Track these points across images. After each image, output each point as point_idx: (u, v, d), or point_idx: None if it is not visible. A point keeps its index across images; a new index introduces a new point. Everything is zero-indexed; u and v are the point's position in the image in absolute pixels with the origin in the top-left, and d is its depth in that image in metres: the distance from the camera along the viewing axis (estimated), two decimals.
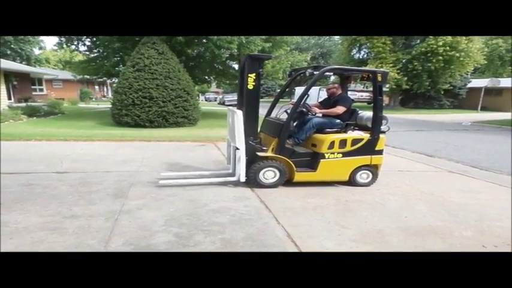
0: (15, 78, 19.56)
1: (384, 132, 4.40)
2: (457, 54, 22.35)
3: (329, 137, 4.22)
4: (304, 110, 4.50)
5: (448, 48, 22.12)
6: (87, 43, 14.87)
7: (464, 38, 21.85)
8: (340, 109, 4.43)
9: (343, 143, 4.24)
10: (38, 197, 3.61)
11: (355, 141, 4.28)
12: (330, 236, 2.87)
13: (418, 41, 25.47)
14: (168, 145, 7.31)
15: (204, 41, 12.77)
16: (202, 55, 13.87)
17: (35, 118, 12.64)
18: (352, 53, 29.12)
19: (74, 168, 4.94)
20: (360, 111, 4.74)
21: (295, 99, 5.21)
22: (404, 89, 25.95)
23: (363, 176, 4.41)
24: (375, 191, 4.26)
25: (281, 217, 3.24)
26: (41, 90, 25.74)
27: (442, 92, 27.55)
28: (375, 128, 4.31)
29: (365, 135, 4.33)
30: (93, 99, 30.91)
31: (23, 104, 15.94)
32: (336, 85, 4.81)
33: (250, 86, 3.96)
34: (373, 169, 4.42)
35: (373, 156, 4.35)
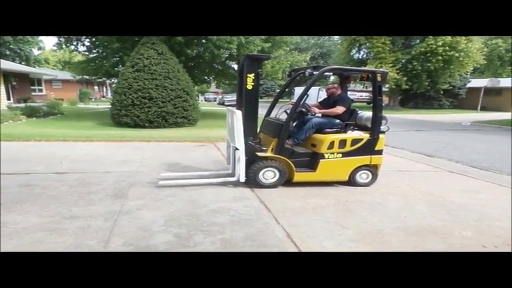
0: (14, 78, 19.55)
1: (383, 132, 4.39)
2: (457, 54, 22.36)
3: (329, 137, 4.22)
4: (303, 110, 4.50)
5: (447, 48, 22.14)
6: (87, 43, 14.88)
7: (463, 38, 21.87)
8: (339, 109, 4.42)
9: (342, 143, 4.24)
10: (37, 197, 3.61)
11: (354, 141, 4.28)
12: (330, 236, 2.87)
13: (418, 41, 25.48)
14: (167, 145, 7.30)
15: (204, 41, 12.77)
16: (201, 55, 13.87)
17: (34, 118, 12.63)
18: (351, 53, 29.12)
19: (73, 168, 4.93)
20: (359, 111, 4.74)
21: (294, 99, 5.21)
22: (404, 89, 25.97)
23: (363, 176, 4.41)
24: (375, 191, 4.26)
25: (281, 217, 3.24)
26: (40, 90, 25.73)
27: (442, 92, 27.58)
28: (374, 128, 4.31)
29: (365, 135, 4.33)
30: (93, 100, 30.90)
31: (22, 105, 15.91)
32: (336, 85, 4.81)
33: (249, 86, 3.96)
34: (373, 169, 4.42)
35: (372, 156, 4.34)
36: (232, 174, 4.36)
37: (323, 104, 4.80)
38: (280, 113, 4.70)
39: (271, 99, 5.62)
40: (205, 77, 17.46)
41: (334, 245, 2.70)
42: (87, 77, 17.06)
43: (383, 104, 4.53)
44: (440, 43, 21.95)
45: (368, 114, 4.53)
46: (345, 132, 4.37)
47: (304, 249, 2.60)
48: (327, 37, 46.17)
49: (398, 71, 23.76)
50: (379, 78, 4.23)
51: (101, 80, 18.36)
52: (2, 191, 3.72)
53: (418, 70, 23.65)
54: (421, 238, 2.87)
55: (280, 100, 5.26)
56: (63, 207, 3.34)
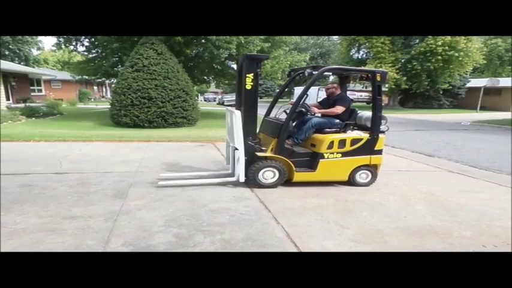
0: (13, 78, 19.52)
1: (383, 132, 4.39)
2: (456, 54, 22.37)
3: (328, 137, 4.22)
4: (303, 110, 4.50)
5: (447, 48, 22.14)
6: (86, 43, 14.87)
7: (463, 37, 21.87)
8: (339, 109, 4.42)
9: (342, 143, 4.24)
10: (37, 197, 3.60)
11: (354, 141, 4.28)
12: (330, 236, 2.87)
13: (417, 41, 25.51)
14: (167, 145, 7.30)
15: (203, 41, 12.76)
16: (201, 55, 13.87)
17: (33, 119, 12.62)
18: (351, 53, 29.14)
19: (72, 168, 4.92)
20: (359, 111, 4.74)
21: (294, 99, 5.21)
22: (404, 89, 25.98)
23: (363, 176, 4.40)
24: (375, 191, 4.26)
25: (281, 217, 3.24)
26: (40, 90, 25.69)
27: (441, 92, 27.59)
28: (374, 127, 4.31)
29: (364, 135, 4.33)
30: (92, 100, 30.89)
31: (22, 105, 15.90)
32: (335, 85, 4.80)
33: (248, 86, 3.95)
34: (373, 169, 4.42)
35: (372, 156, 4.34)
36: (232, 174, 4.36)
37: (322, 104, 4.79)
38: (280, 113, 4.70)
39: (271, 99, 5.61)
40: (205, 77, 17.46)
41: (334, 245, 2.70)
42: (87, 77, 17.04)
43: (382, 104, 4.53)
44: (439, 43, 21.95)
45: (368, 114, 4.53)
46: (344, 132, 4.37)
47: (304, 249, 2.60)
48: (327, 37, 46.20)
49: (397, 71, 23.76)
50: (378, 78, 4.23)
51: (100, 80, 18.32)
52: (1, 192, 3.72)
53: (418, 70, 23.65)
54: (420, 238, 2.87)
55: (279, 100, 5.25)
56: (62, 207, 3.33)
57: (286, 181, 4.24)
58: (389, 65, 23.37)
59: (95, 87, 37.15)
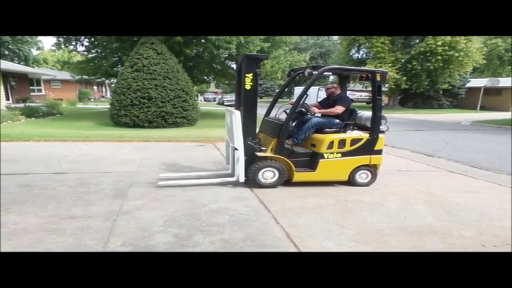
0: (13, 78, 19.51)
1: (383, 132, 4.39)
2: (456, 54, 22.37)
3: (328, 137, 4.22)
4: (303, 110, 4.49)
5: (447, 48, 22.15)
6: (85, 43, 14.87)
7: (463, 37, 21.87)
8: (339, 109, 4.42)
9: (342, 143, 4.24)
10: (36, 197, 3.60)
11: (354, 141, 4.28)
12: (330, 236, 2.87)
13: (417, 41, 25.51)
14: (167, 145, 7.29)
15: (203, 41, 12.76)
16: (200, 55, 13.87)
17: (33, 119, 12.62)
18: (351, 53, 29.14)
19: (72, 168, 4.92)
20: (359, 111, 4.74)
21: (294, 99, 5.21)
22: (404, 89, 25.99)
23: (362, 176, 4.40)
24: (374, 191, 4.26)
25: (280, 217, 3.23)
26: (39, 90, 25.66)
27: (441, 92, 27.60)
28: (374, 127, 4.31)
29: (364, 135, 4.32)
30: (92, 100, 30.88)
31: (21, 105, 15.90)
32: (335, 85, 4.80)
33: (247, 86, 3.95)
34: (373, 169, 4.41)
35: (372, 156, 4.34)
36: (232, 174, 4.36)
37: (322, 104, 4.79)
38: (280, 112, 4.70)
39: (271, 99, 5.61)
40: (205, 77, 17.46)
41: (333, 245, 2.70)
42: (86, 77, 17.05)
43: (382, 104, 4.52)
44: (439, 43, 21.96)
45: (367, 114, 4.53)
46: (344, 132, 4.37)
47: (303, 249, 2.60)
48: (326, 37, 46.20)
49: (397, 71, 23.77)
50: (378, 78, 4.23)
51: (100, 80, 18.33)
52: (1, 192, 3.71)
53: (418, 70, 23.66)
54: (420, 238, 2.87)
55: (279, 100, 5.25)
56: (62, 207, 3.33)
57: (286, 181, 4.24)
58: (389, 65, 23.38)
59: (95, 87, 37.14)
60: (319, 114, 4.60)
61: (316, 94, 15.39)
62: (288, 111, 4.36)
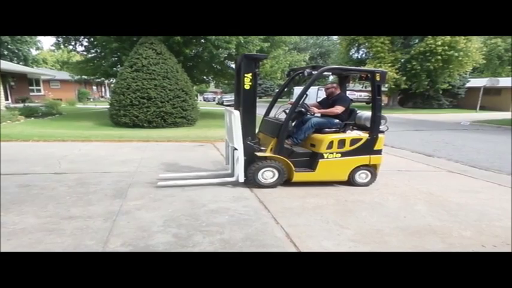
0: (12, 78, 19.51)
1: (382, 132, 4.39)
2: (456, 54, 22.38)
3: (328, 137, 4.22)
4: (302, 109, 4.49)
5: (446, 47, 22.15)
6: (85, 43, 14.87)
7: (462, 37, 21.88)
8: (338, 109, 4.42)
9: (342, 142, 4.24)
10: (36, 198, 3.59)
11: (354, 141, 4.28)
12: (329, 236, 2.86)
13: (417, 41, 25.50)
14: (166, 145, 7.29)
15: (202, 41, 12.76)
16: (200, 55, 13.86)
17: (32, 119, 12.61)
18: (350, 53, 29.13)
19: (72, 169, 4.91)
20: (358, 111, 4.74)
21: (293, 99, 5.21)
22: (403, 89, 25.98)
23: (362, 176, 4.40)
24: (374, 191, 4.25)
25: (280, 217, 3.23)
26: (39, 90, 25.65)
27: (441, 92, 27.59)
28: (373, 127, 4.31)
29: (364, 135, 4.32)
30: (91, 100, 30.87)
31: (21, 105, 15.89)
32: (335, 85, 4.80)
33: (246, 86, 3.94)
34: (372, 169, 4.41)
35: (372, 156, 4.34)
36: (231, 175, 4.35)
37: (322, 104, 4.79)
38: (279, 112, 4.70)
39: (270, 99, 5.61)
40: (204, 77, 17.46)
41: (333, 245, 2.70)
42: (86, 77, 17.04)
43: (382, 104, 4.52)
44: (439, 43, 21.96)
45: (367, 113, 4.53)
46: (344, 132, 4.37)
47: (303, 249, 2.60)
48: (326, 37, 46.20)
49: (397, 71, 23.77)
50: (378, 78, 4.23)
51: (99, 80, 18.32)
52: (0, 192, 3.71)
53: (417, 70, 23.66)
54: (420, 238, 2.87)
55: (279, 100, 5.25)
56: (61, 207, 3.32)
57: (285, 181, 4.24)
58: (389, 64, 23.38)
59: (94, 87, 37.12)
60: (319, 114, 4.60)
61: (315, 94, 15.37)
62: (287, 111, 4.36)
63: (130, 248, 2.53)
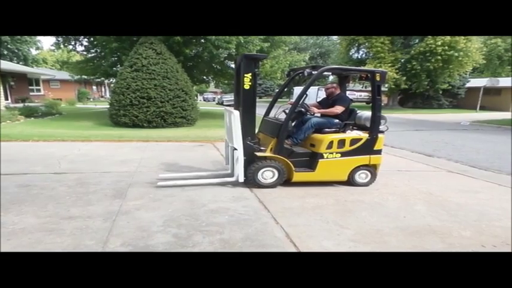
0: (12, 78, 19.49)
1: (382, 132, 4.39)
2: (456, 54, 22.38)
3: (328, 137, 4.22)
4: (302, 109, 4.49)
5: (446, 47, 22.15)
6: (85, 43, 14.86)
7: (462, 37, 21.88)
8: (338, 109, 4.42)
9: (341, 142, 4.23)
10: (36, 198, 3.59)
11: (353, 141, 4.27)
12: (329, 236, 2.86)
13: (417, 41, 25.51)
14: (166, 145, 7.29)
15: (202, 41, 12.75)
16: (200, 55, 13.85)
17: (32, 119, 12.60)
18: (350, 53, 29.14)
19: (71, 168, 4.91)
20: (358, 111, 4.73)
21: (293, 99, 5.21)
22: (403, 89, 25.99)
23: (362, 176, 4.40)
24: (374, 191, 4.25)
25: (280, 217, 3.23)
26: (38, 90, 25.64)
27: (441, 92, 27.60)
28: (373, 127, 4.31)
29: (364, 135, 4.32)
30: (91, 100, 30.86)
31: (20, 105, 15.88)
32: (335, 85, 4.80)
33: (246, 86, 3.94)
34: (372, 169, 4.41)
35: (371, 156, 4.34)
36: (231, 175, 4.35)
37: (322, 104, 4.79)
38: (279, 112, 4.70)
39: (270, 99, 5.60)
40: (204, 77, 17.46)
41: (333, 245, 2.70)
42: (86, 77, 17.04)
43: (382, 104, 4.52)
44: (439, 43, 21.96)
45: (367, 113, 4.53)
46: (343, 132, 4.37)
47: (303, 249, 2.60)
48: (326, 37, 46.20)
49: (397, 71, 23.78)
50: (378, 78, 4.23)
51: (99, 80, 18.31)
52: (0, 192, 3.70)
53: (417, 70, 23.67)
54: (420, 238, 2.87)
55: (279, 100, 5.25)
56: (61, 207, 3.32)
57: (285, 181, 4.24)
58: (389, 64, 23.38)
59: (94, 87, 37.11)
60: (319, 114, 4.60)
61: (315, 94, 15.38)
62: (287, 111, 4.36)
63: (130, 248, 2.53)
